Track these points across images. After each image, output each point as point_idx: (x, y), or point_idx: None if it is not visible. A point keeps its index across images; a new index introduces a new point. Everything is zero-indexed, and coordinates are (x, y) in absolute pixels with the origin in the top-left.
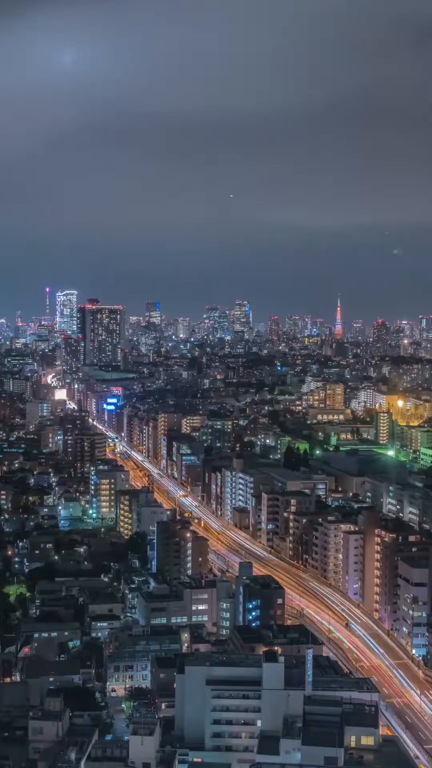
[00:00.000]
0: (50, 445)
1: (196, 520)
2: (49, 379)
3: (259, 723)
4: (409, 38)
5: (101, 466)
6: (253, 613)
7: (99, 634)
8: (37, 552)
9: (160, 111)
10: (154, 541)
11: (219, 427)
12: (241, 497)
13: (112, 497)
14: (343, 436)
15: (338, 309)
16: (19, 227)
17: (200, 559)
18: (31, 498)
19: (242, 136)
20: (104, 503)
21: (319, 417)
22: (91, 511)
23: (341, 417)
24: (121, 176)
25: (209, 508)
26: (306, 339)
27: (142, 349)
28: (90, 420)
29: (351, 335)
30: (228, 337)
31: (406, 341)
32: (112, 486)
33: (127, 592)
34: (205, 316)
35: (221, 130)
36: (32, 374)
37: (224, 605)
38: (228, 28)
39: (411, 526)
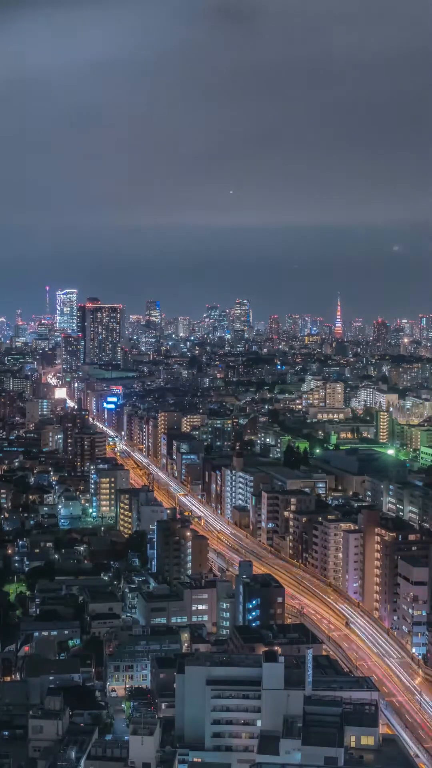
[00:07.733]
0: (50, 443)
1: (196, 519)
2: (49, 377)
3: (259, 723)
4: None
5: (101, 465)
6: (253, 613)
7: (99, 633)
8: (37, 551)
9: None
10: (154, 540)
11: (219, 425)
12: (241, 496)
13: (112, 496)
14: (343, 434)
15: (338, 308)
16: (19, 226)
17: (200, 557)
18: (31, 497)
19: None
20: (104, 502)
21: (319, 416)
22: (91, 510)
23: (341, 416)
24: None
25: (209, 507)
26: (306, 338)
27: (142, 347)
28: (90, 419)
29: (351, 334)
30: (228, 336)
31: (406, 340)
32: (112, 485)
33: (127, 591)
34: (205, 315)
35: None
36: (32, 373)
37: (224, 605)
38: None
39: (411, 525)
